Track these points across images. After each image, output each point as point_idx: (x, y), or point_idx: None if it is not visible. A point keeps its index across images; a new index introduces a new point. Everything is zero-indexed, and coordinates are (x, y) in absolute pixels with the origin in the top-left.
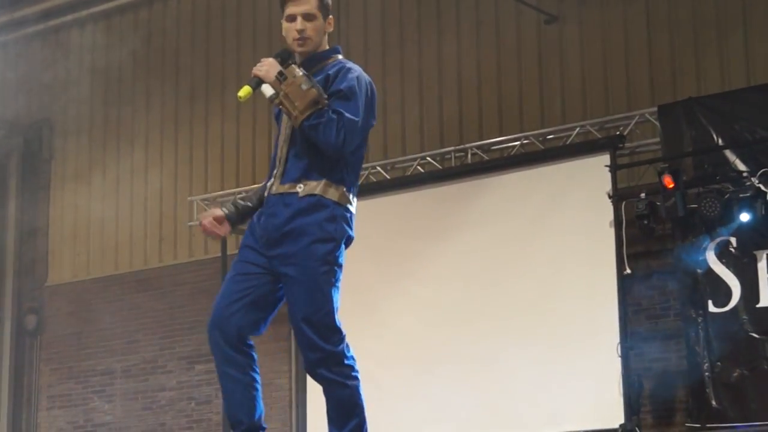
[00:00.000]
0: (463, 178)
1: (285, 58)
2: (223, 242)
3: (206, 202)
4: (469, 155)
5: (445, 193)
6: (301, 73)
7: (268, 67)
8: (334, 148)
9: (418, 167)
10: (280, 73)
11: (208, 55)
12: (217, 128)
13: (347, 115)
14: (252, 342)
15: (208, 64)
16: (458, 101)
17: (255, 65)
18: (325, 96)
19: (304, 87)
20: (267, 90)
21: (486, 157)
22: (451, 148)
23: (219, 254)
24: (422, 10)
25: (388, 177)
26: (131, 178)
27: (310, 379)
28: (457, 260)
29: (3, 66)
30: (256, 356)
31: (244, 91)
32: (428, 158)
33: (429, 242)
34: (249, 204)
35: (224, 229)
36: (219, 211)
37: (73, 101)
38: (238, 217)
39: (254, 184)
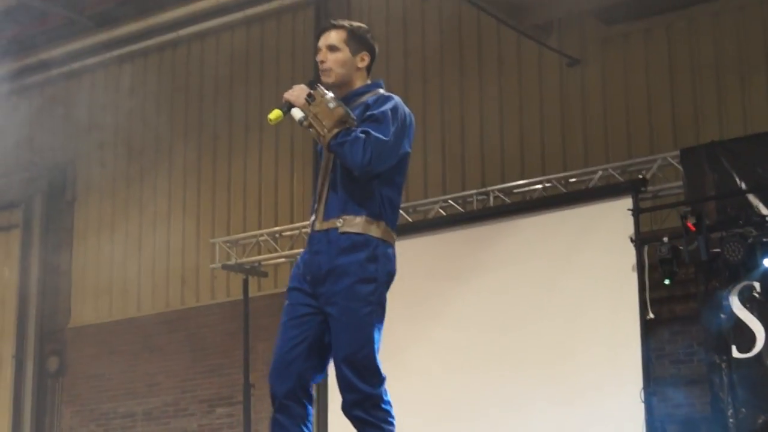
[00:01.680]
0: (485, 221)
1: (313, 86)
2: (245, 285)
3: (228, 244)
4: (491, 198)
5: (467, 236)
6: (329, 95)
7: (299, 91)
8: (361, 166)
9: (440, 210)
10: (309, 95)
11: (231, 99)
12: (240, 171)
13: (375, 134)
14: (313, 392)
15: (231, 108)
16: (480, 144)
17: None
18: (354, 116)
19: (332, 106)
20: (297, 113)
21: (508, 200)
22: (473, 191)
23: (241, 296)
24: (444, 51)
25: (410, 220)
26: (154, 220)
27: (333, 423)
28: (478, 303)
29: (28, 108)
30: (312, 410)
31: (275, 114)
32: (450, 201)
33: (450, 285)
34: None
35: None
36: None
37: (97, 144)
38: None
39: (276, 226)
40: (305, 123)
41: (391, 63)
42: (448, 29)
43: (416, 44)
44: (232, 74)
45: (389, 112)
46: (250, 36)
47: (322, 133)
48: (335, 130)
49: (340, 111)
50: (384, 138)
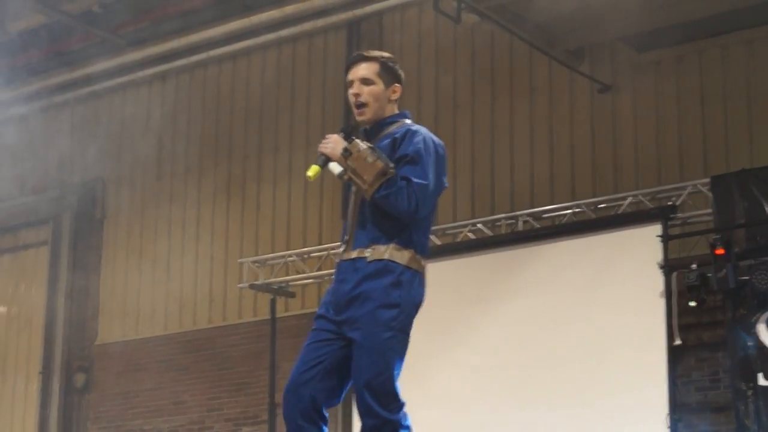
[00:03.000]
0: (513, 245)
1: (348, 132)
2: (272, 305)
3: (257, 264)
4: (520, 222)
5: (495, 260)
6: (365, 146)
7: (334, 144)
8: (408, 214)
9: (469, 234)
10: (345, 150)
11: (261, 119)
12: (269, 191)
13: (416, 180)
14: (326, 414)
15: (262, 128)
16: (510, 168)
17: (308, 133)
18: (392, 165)
19: (370, 160)
20: (335, 168)
21: (537, 225)
22: (502, 215)
23: (268, 316)
24: (476, 76)
25: (439, 243)
26: (182, 239)
27: None
28: (505, 328)
29: (59, 126)
30: (326, 430)
31: (313, 170)
32: (479, 225)
33: (478, 309)
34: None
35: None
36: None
37: (127, 162)
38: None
39: (305, 246)
40: (345, 177)
41: (422, 86)
42: (480, 53)
43: (448, 67)
44: (263, 95)
45: (422, 151)
46: (282, 57)
47: (364, 187)
48: (376, 185)
49: (380, 165)
50: (424, 182)
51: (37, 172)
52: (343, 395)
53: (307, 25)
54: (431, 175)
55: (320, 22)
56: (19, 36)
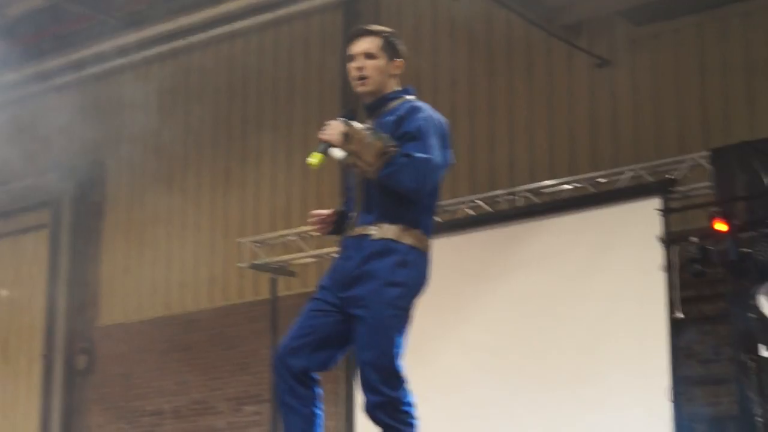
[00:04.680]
0: (513, 221)
1: (350, 117)
2: (273, 284)
3: (256, 244)
4: (520, 198)
5: (495, 236)
6: (363, 128)
7: (333, 129)
8: (413, 190)
9: (468, 210)
10: (345, 134)
11: (259, 99)
12: (268, 170)
13: (417, 155)
14: (317, 377)
15: (260, 108)
16: (509, 144)
17: (306, 113)
18: (392, 143)
19: (369, 140)
20: (337, 153)
21: (536, 201)
22: (502, 191)
23: (269, 296)
24: (473, 52)
25: (439, 220)
26: (182, 219)
27: (359, 422)
28: (506, 303)
29: (58, 109)
30: (319, 392)
31: (316, 158)
32: (478, 201)
33: (478, 285)
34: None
35: (327, 228)
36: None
37: (126, 144)
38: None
39: (303, 225)
40: (348, 161)
41: (420, 64)
42: (478, 29)
43: (445, 44)
44: (260, 75)
45: (425, 127)
46: (279, 37)
47: (368, 169)
48: (377, 164)
49: (379, 144)
50: (426, 156)
51: (36, 156)
52: (335, 363)
53: (304, 5)
54: (436, 151)
55: (317, 2)
56: (17, 19)
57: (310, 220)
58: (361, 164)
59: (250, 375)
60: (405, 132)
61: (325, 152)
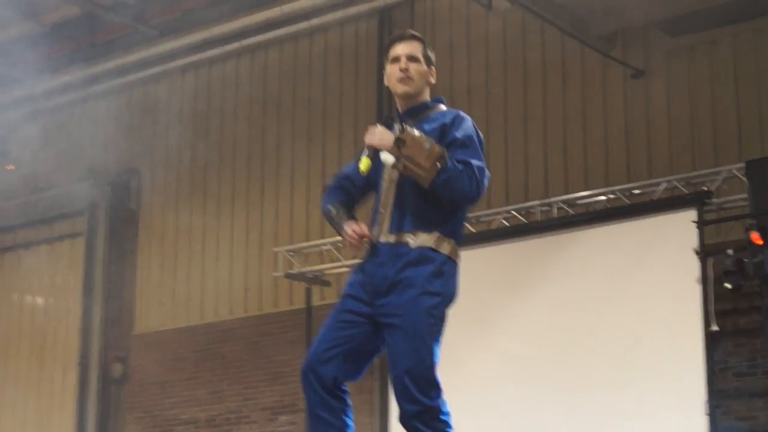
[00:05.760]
0: (548, 232)
1: (389, 124)
2: (308, 294)
3: (291, 253)
4: (555, 209)
5: (530, 247)
6: (418, 134)
7: (381, 135)
8: (471, 197)
9: (503, 221)
10: (398, 139)
11: (294, 108)
12: (303, 180)
13: (474, 162)
14: (347, 388)
15: (294, 117)
16: (544, 155)
17: (341, 122)
18: (447, 153)
19: (427, 146)
20: (387, 158)
21: (571, 212)
22: (537, 201)
23: (304, 305)
24: (508, 62)
25: (473, 230)
26: (217, 228)
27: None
28: (541, 314)
29: (93, 117)
30: (350, 402)
31: (365, 164)
32: (513, 212)
33: (513, 296)
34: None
35: (362, 249)
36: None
37: (161, 152)
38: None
39: (339, 235)
40: (399, 167)
41: (454, 74)
42: (512, 40)
43: (480, 54)
44: (295, 84)
45: (473, 135)
46: (314, 46)
47: (422, 174)
48: (435, 170)
49: (437, 150)
50: (481, 164)
51: (73, 164)
52: (364, 374)
53: (339, 14)
54: (483, 158)
55: (351, 11)
56: (53, 27)
57: (350, 235)
58: (415, 169)
59: (285, 385)
60: (455, 139)
61: (373, 158)
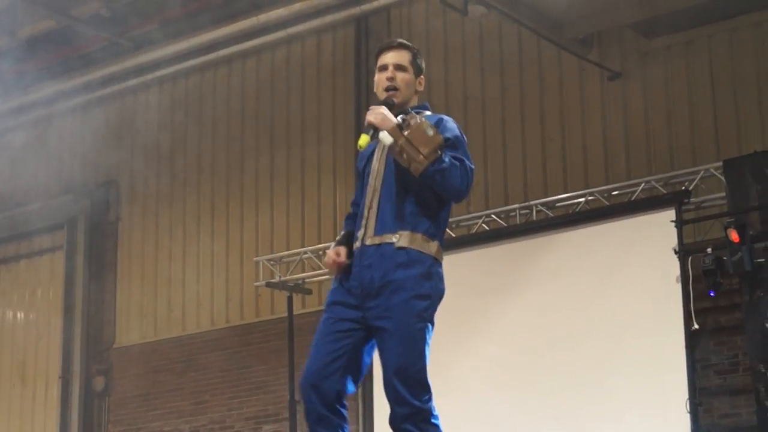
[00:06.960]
0: (528, 235)
1: (390, 105)
2: (289, 302)
3: (272, 262)
4: (534, 212)
5: (510, 250)
6: (425, 121)
7: (383, 115)
8: (459, 193)
9: (483, 225)
10: (403, 119)
11: (272, 117)
12: (283, 188)
13: (466, 161)
14: (347, 403)
15: (273, 126)
16: (522, 158)
17: (319, 130)
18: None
19: (430, 133)
20: (386, 138)
21: (551, 214)
22: (516, 205)
23: (285, 314)
24: (485, 68)
25: (453, 235)
26: (197, 239)
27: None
28: (522, 318)
29: (70, 130)
30: (347, 414)
31: (363, 140)
32: (493, 216)
33: (494, 300)
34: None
35: (343, 264)
36: (342, 248)
37: (140, 164)
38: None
39: (319, 243)
40: (396, 149)
41: (431, 79)
42: (489, 44)
43: (457, 60)
44: (272, 93)
45: (461, 138)
46: (291, 55)
47: (417, 159)
48: (433, 157)
49: (439, 138)
50: (473, 166)
51: (50, 177)
52: (360, 382)
53: (315, 22)
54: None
55: (328, 19)
56: (29, 41)
57: (328, 256)
58: (412, 153)
59: (269, 394)
60: (445, 139)
61: (372, 136)
